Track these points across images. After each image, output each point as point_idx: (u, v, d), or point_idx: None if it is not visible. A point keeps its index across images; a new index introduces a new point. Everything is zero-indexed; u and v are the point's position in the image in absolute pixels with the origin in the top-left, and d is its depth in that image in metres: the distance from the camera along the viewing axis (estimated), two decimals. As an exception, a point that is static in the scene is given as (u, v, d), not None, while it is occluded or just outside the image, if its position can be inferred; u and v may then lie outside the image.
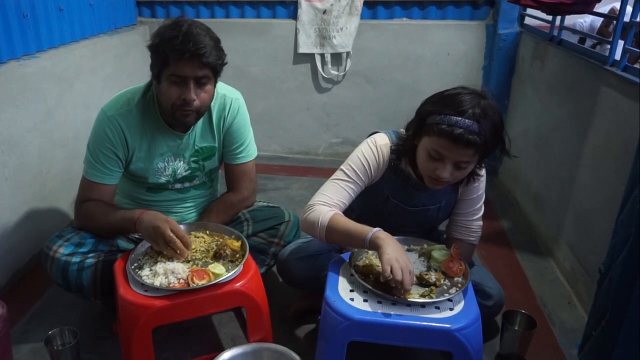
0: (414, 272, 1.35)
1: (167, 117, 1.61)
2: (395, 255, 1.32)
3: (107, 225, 1.60)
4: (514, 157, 1.46)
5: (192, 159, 1.73)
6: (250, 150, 1.81)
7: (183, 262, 1.49)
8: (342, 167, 1.56)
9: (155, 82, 1.56)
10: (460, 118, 1.31)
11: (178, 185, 1.77)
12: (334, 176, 1.56)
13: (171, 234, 1.46)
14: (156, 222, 1.48)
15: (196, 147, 1.72)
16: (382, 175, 1.57)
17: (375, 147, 1.54)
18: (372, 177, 1.56)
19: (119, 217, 1.58)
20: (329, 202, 1.51)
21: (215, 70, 1.52)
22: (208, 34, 1.50)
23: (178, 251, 1.47)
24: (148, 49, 1.52)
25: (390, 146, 1.55)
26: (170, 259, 1.50)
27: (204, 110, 1.60)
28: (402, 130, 1.56)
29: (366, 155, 1.54)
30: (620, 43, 1.96)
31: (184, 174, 1.74)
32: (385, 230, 1.42)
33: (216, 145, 1.75)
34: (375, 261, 1.50)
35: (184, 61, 1.45)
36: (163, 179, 1.72)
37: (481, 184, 1.60)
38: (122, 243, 1.69)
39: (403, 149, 1.52)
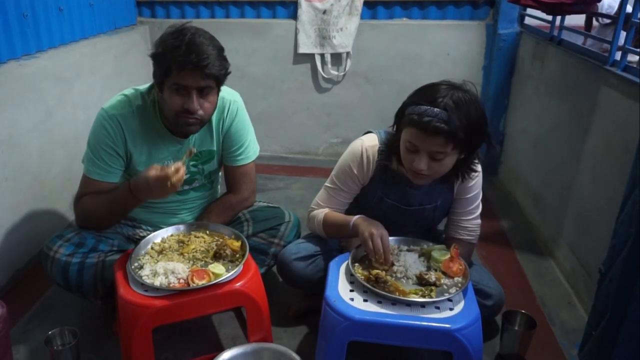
0: (386, 236, 1.46)
1: (170, 124, 1.60)
2: (365, 231, 1.44)
3: (107, 211, 1.60)
4: (496, 149, 1.51)
5: (192, 162, 1.72)
6: (250, 152, 1.81)
7: (183, 262, 1.49)
8: (332, 172, 1.67)
9: (158, 90, 1.55)
10: (428, 107, 1.35)
11: (178, 188, 1.76)
12: (326, 182, 1.69)
13: (165, 170, 1.41)
14: (149, 173, 1.42)
15: (196, 151, 1.71)
16: (373, 176, 1.58)
17: (361, 149, 1.58)
18: (361, 180, 1.61)
19: (113, 196, 1.57)
20: (320, 207, 1.67)
21: (218, 80, 1.52)
22: (212, 43, 1.48)
23: (178, 175, 1.42)
24: (151, 58, 1.51)
25: (379, 147, 1.56)
26: (170, 259, 1.50)
27: (207, 119, 1.60)
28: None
29: (349, 160, 1.60)
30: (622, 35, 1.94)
31: (184, 177, 1.73)
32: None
33: (215, 148, 1.75)
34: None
35: (186, 72, 1.44)
36: (163, 182, 1.71)
37: (477, 182, 1.60)
38: (122, 243, 1.69)
39: (391, 147, 1.54)
